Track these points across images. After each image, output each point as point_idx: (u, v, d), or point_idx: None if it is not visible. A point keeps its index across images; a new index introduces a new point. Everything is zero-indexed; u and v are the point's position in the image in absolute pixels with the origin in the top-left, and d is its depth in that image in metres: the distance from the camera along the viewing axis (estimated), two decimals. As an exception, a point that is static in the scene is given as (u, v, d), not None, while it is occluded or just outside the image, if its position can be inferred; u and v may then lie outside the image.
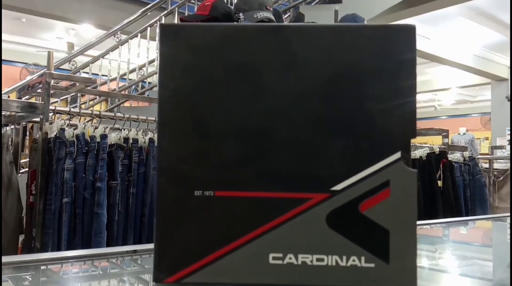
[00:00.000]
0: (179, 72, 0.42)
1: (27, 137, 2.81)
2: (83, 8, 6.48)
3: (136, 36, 4.60)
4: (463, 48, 8.52)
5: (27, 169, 2.25)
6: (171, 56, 0.42)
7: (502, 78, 9.41)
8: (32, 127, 2.51)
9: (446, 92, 12.82)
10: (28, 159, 2.28)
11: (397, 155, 0.40)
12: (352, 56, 0.41)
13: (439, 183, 3.17)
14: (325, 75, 0.42)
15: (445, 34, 7.93)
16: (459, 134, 11.05)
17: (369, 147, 0.41)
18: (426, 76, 10.78)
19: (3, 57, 8.33)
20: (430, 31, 7.59)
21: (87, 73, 4.62)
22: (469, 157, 3.50)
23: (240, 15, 2.44)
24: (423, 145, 3.46)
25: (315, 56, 0.41)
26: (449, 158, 3.27)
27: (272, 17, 2.45)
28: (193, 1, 4.84)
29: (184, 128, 0.41)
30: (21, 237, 2.12)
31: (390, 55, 0.41)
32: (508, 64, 9.08)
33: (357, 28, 0.43)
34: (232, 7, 2.57)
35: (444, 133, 3.89)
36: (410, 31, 0.42)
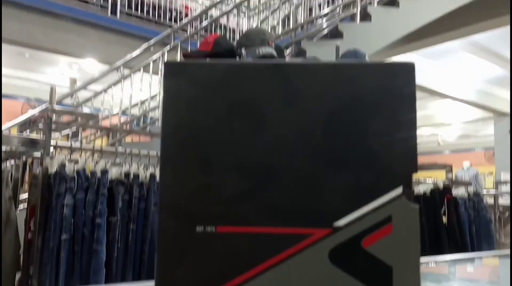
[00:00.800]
0: (182, 108, 0.42)
1: (27, 173, 2.81)
2: (86, 43, 6.62)
3: (139, 70, 4.67)
4: (465, 82, 8.60)
5: (26, 205, 2.23)
6: (175, 93, 0.43)
7: (504, 112, 9.45)
8: (32, 162, 2.51)
9: (449, 126, 12.88)
10: (27, 195, 2.27)
11: (399, 190, 0.39)
12: (352, 92, 0.42)
13: (444, 219, 3.13)
14: (326, 112, 0.42)
15: (446, 69, 8.03)
16: (463, 169, 11.02)
17: (370, 182, 0.40)
18: (428, 111, 10.85)
19: (5, 92, 8.46)
20: (431, 66, 7.69)
21: (89, 107, 4.67)
22: (473, 192, 3.47)
23: (242, 50, 2.47)
24: (427, 181, 3.43)
25: (315, 93, 0.42)
26: (454, 194, 3.24)
27: (274, 53, 2.49)
28: (196, 37, 4.94)
29: (187, 163, 0.41)
30: (18, 275, 2.08)
31: (390, 92, 0.42)
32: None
33: (357, 65, 0.44)
34: (235, 43, 2.62)
35: (447, 168, 3.86)
36: (409, 68, 0.43)
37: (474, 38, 6.51)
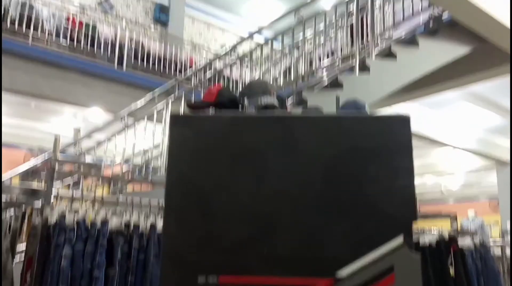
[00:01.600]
0: (187, 158, 0.43)
1: (25, 223, 2.77)
2: (92, 93, 6.73)
3: (143, 120, 4.72)
4: (465, 131, 8.64)
5: (22, 257, 2.18)
6: (180, 143, 0.44)
7: (506, 161, 9.42)
8: (31, 213, 2.48)
9: (452, 175, 12.80)
10: (24, 246, 2.23)
11: (400, 239, 0.39)
12: (351, 144, 0.42)
13: (451, 270, 3.05)
14: (326, 162, 0.42)
15: (446, 118, 8.10)
16: (468, 218, 10.85)
17: (371, 231, 0.40)
18: (430, 159, 10.83)
19: (8, 141, 8.51)
20: (431, 115, 7.76)
21: (92, 157, 4.68)
22: (480, 243, 3.40)
23: (245, 100, 2.50)
24: (431, 230, 3.37)
25: (316, 144, 0.42)
26: (460, 244, 3.18)
27: (276, 103, 2.51)
28: (200, 87, 5.04)
29: (190, 212, 0.42)
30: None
31: (388, 143, 0.42)
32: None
33: (355, 118, 0.45)
34: (237, 93, 2.66)
35: (452, 218, 3.81)
36: (404, 120, 0.43)
37: (472, 88, 6.62)
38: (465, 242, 3.31)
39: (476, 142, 8.93)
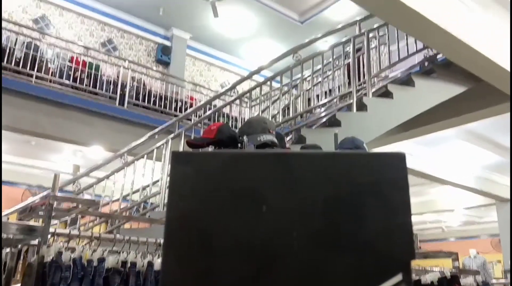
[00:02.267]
0: (188, 195, 0.43)
1: (20, 261, 2.73)
2: (93, 131, 6.75)
3: (143, 157, 4.72)
4: (463, 169, 8.64)
5: (18, 296, 2.14)
6: (181, 180, 0.44)
7: (506, 198, 9.37)
8: (27, 251, 2.44)
9: (452, 213, 12.70)
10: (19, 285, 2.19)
11: (399, 277, 0.39)
12: (348, 181, 0.43)
13: (454, 310, 2.98)
14: (324, 199, 0.43)
15: (444, 156, 8.11)
16: (469, 257, 10.70)
17: (369, 269, 0.40)
18: (430, 196, 10.77)
19: (7, 179, 8.47)
20: (429, 153, 7.78)
21: (90, 194, 4.66)
22: (482, 282, 3.35)
23: (244, 138, 2.52)
24: (433, 269, 3.32)
25: (314, 181, 0.43)
26: (462, 283, 3.13)
27: (275, 140, 2.53)
28: (200, 125, 5.07)
29: (190, 248, 0.41)
30: None
31: (384, 180, 0.43)
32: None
33: (352, 155, 0.45)
34: (237, 130, 2.67)
35: (453, 256, 3.76)
36: (400, 158, 0.44)
37: (469, 127, 6.67)
38: (467, 280, 3.26)
39: (474, 180, 8.91)
